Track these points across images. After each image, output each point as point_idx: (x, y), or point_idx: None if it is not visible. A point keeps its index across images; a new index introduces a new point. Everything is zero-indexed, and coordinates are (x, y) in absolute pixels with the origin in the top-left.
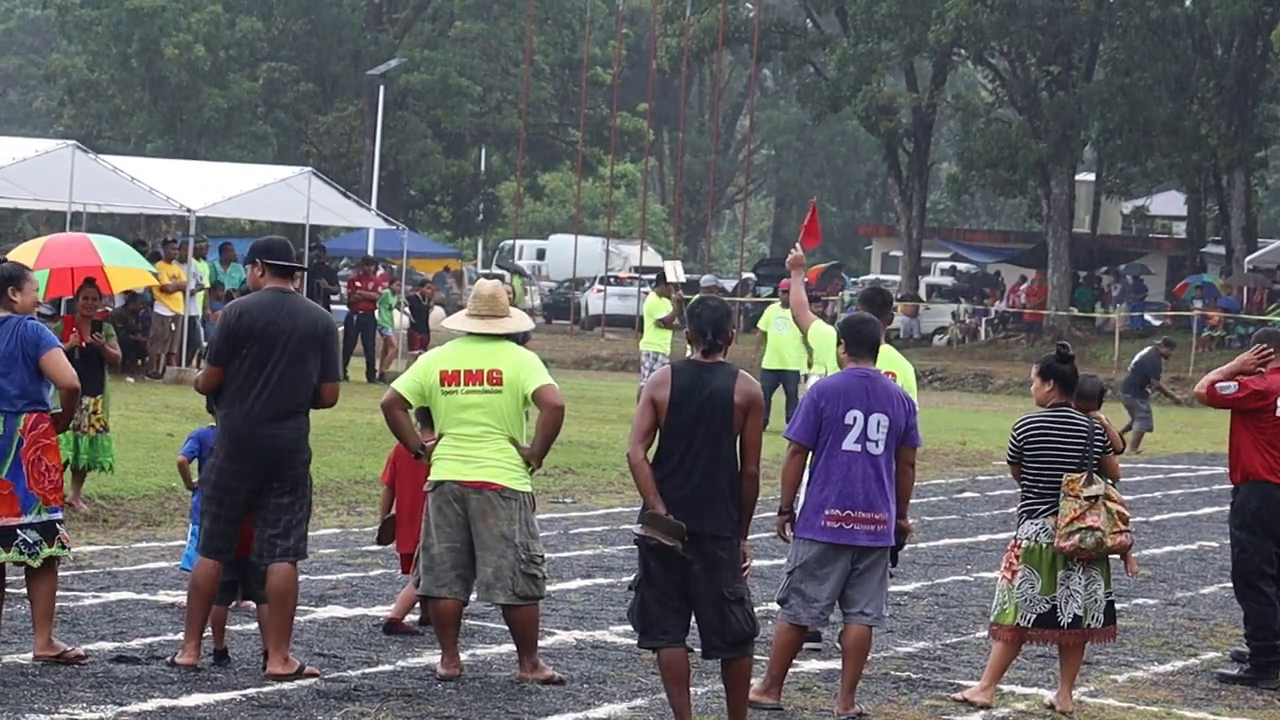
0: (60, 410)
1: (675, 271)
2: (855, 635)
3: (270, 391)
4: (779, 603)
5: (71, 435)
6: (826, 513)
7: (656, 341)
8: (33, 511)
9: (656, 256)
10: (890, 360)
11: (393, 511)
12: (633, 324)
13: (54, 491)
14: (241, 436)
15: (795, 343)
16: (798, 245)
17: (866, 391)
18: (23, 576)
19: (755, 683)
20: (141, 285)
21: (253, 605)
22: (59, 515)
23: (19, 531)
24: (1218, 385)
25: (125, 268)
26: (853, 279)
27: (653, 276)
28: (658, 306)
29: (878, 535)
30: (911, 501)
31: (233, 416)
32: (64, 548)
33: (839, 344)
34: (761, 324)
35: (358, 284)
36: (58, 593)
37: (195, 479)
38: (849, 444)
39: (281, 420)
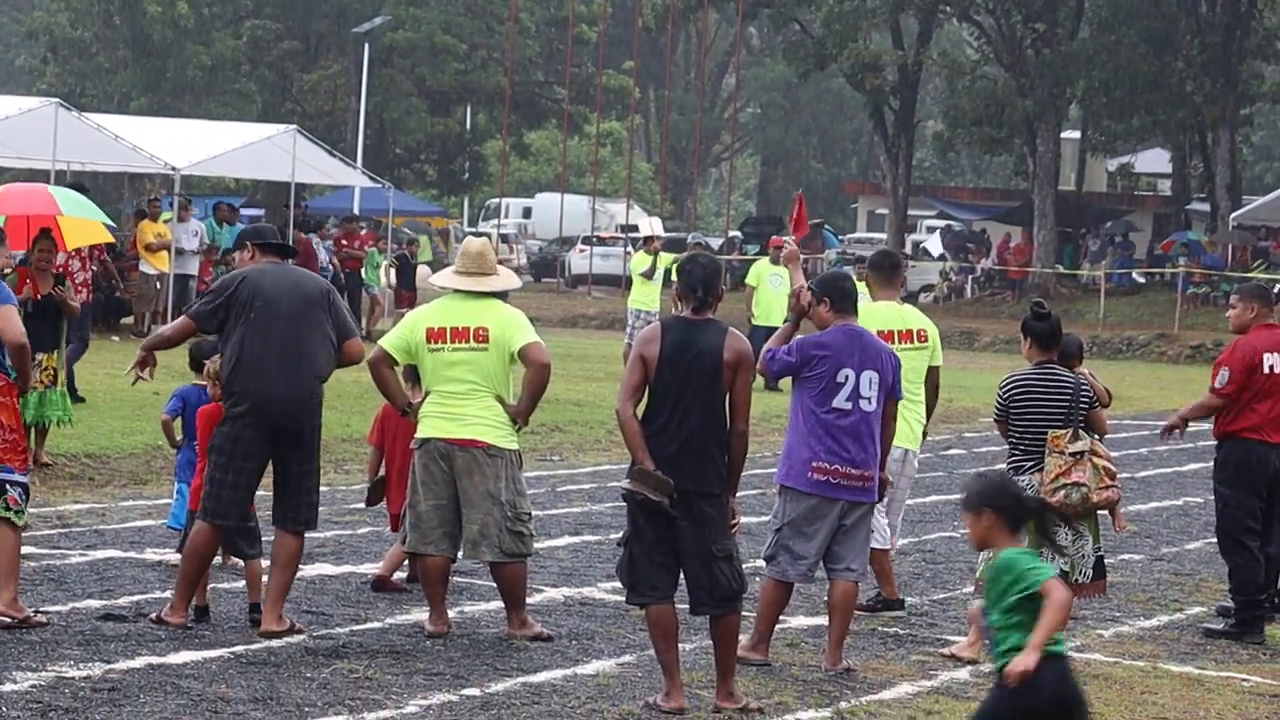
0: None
1: (651, 226)
2: (842, 591)
3: (284, 357)
4: (766, 560)
5: None
6: (814, 465)
7: (644, 299)
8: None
9: (643, 215)
10: (919, 319)
11: (382, 473)
12: (619, 283)
13: (9, 453)
14: (261, 404)
15: (785, 299)
16: (790, 240)
17: (857, 349)
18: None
19: (743, 639)
20: (99, 240)
21: (238, 564)
22: (14, 477)
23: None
24: (1217, 380)
25: (83, 219)
26: (839, 237)
27: (639, 235)
28: (641, 262)
29: (864, 491)
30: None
31: (250, 384)
32: (10, 510)
33: (821, 303)
34: (750, 279)
35: (343, 242)
36: (43, 551)
37: (179, 437)
38: (840, 401)
39: (303, 386)
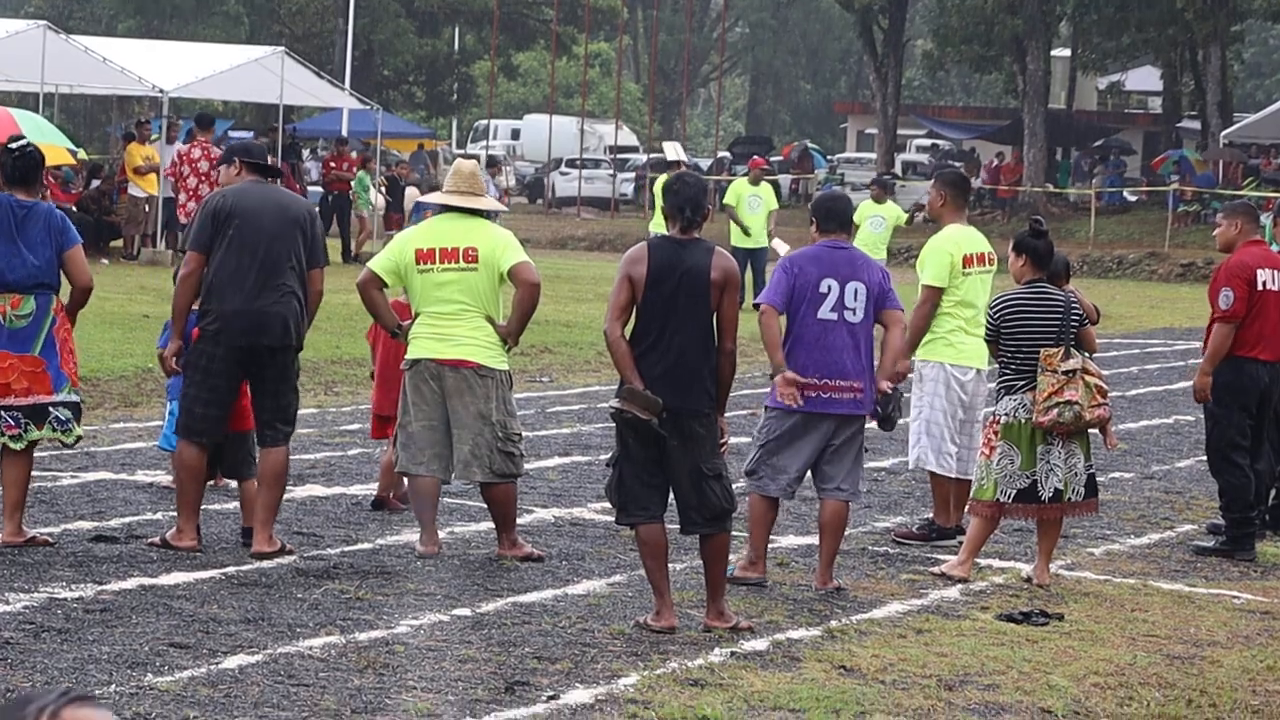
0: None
1: (676, 151)
2: (832, 510)
3: (261, 273)
4: (747, 474)
5: None
6: (804, 381)
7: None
8: (64, 390)
9: (631, 136)
10: (987, 242)
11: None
12: (607, 205)
13: (75, 374)
14: (235, 320)
15: (764, 220)
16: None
17: (841, 261)
18: None
19: (735, 558)
20: (60, 162)
21: (230, 484)
22: (79, 398)
23: (51, 409)
24: (1221, 302)
25: (44, 144)
26: (827, 157)
27: (627, 157)
28: None
29: (855, 404)
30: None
31: (226, 300)
32: (59, 430)
33: (811, 224)
34: (729, 199)
35: (332, 165)
36: (35, 473)
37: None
38: (825, 312)
39: (275, 301)
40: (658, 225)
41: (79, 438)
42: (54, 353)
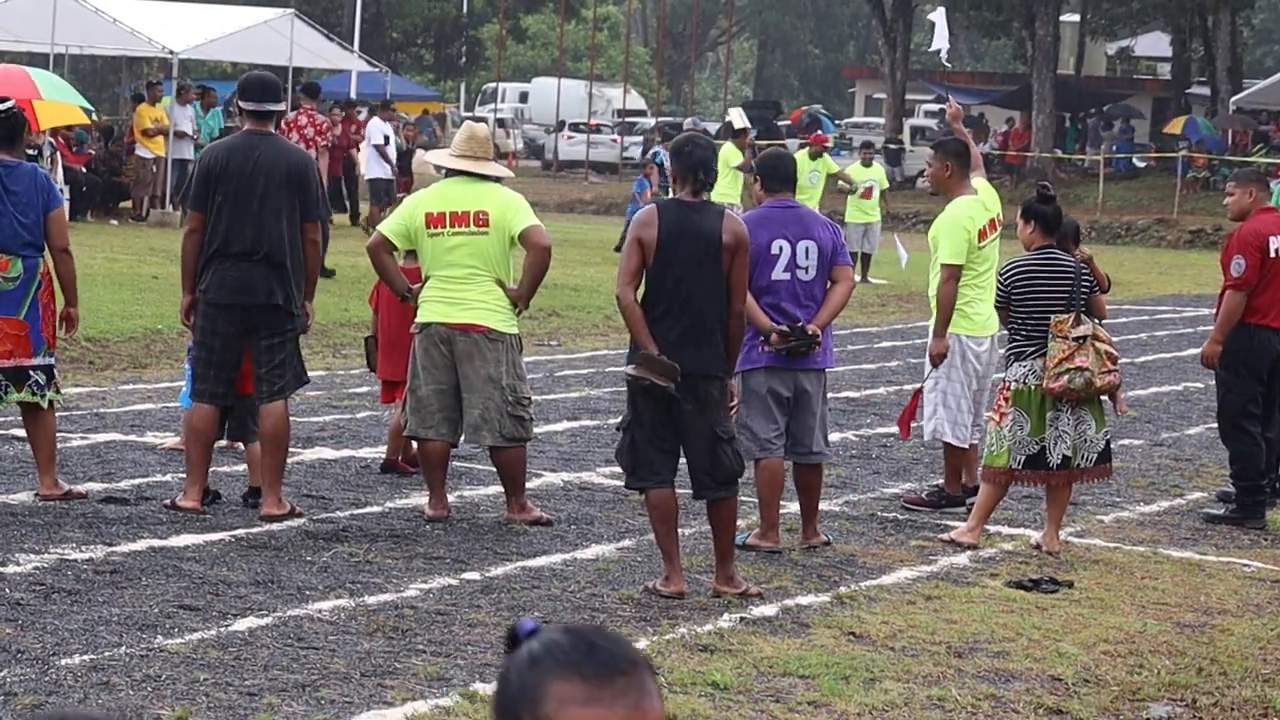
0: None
1: (741, 117)
2: (806, 474)
3: (248, 233)
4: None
5: None
6: (761, 337)
7: (727, 192)
8: (41, 354)
9: (640, 100)
10: (992, 206)
11: (371, 333)
12: (615, 169)
13: (53, 336)
14: (223, 280)
15: (821, 194)
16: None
17: (790, 220)
18: (18, 419)
19: (744, 523)
20: (74, 122)
21: (240, 446)
22: (54, 359)
23: (30, 373)
24: (1232, 269)
25: (60, 103)
26: (835, 121)
27: (635, 120)
28: (732, 154)
29: (815, 359)
30: (898, 344)
31: (214, 260)
32: (58, 392)
33: (757, 183)
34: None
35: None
36: None
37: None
38: (778, 273)
39: (261, 262)
40: (720, 195)
41: (51, 400)
42: (37, 317)
